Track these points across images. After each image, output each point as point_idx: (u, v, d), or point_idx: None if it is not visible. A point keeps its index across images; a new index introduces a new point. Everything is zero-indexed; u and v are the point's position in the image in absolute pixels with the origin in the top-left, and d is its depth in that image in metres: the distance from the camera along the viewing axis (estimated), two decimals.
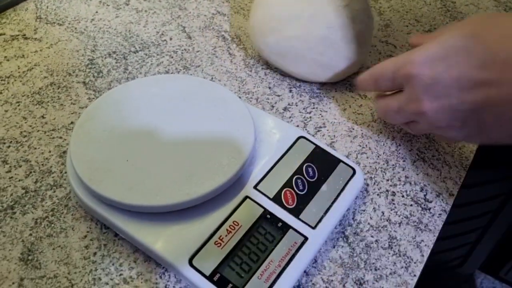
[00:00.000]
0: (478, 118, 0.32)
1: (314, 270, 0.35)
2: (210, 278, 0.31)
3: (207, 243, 0.32)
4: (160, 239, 0.33)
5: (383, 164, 0.42)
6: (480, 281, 1.11)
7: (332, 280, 0.34)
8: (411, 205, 0.39)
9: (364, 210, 0.38)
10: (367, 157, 0.42)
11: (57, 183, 0.38)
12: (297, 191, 0.36)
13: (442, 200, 0.40)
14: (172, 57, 0.49)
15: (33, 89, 0.45)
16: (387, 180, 0.41)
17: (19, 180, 0.38)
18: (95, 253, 0.34)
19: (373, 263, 0.35)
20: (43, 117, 0.43)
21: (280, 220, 0.34)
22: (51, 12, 0.53)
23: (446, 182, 0.41)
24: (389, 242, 0.37)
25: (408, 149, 0.43)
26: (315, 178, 0.37)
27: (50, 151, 0.40)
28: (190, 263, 0.32)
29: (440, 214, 0.39)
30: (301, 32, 0.43)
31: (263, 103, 0.46)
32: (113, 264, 0.34)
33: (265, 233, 0.34)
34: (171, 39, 0.52)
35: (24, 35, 0.50)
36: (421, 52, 0.33)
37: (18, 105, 0.43)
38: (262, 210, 0.35)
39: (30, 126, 0.42)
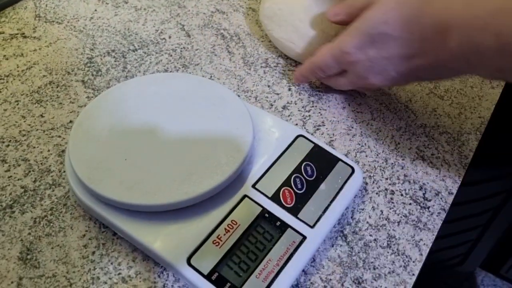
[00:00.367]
0: (417, 75, 0.38)
1: (312, 269, 0.35)
2: (208, 277, 0.31)
3: (205, 242, 0.32)
4: (159, 238, 0.33)
5: (382, 162, 0.42)
6: (481, 279, 1.11)
7: (330, 279, 0.34)
8: (410, 204, 0.39)
9: (363, 209, 0.38)
10: (366, 156, 0.42)
11: (56, 182, 0.38)
12: (295, 190, 0.36)
13: (441, 198, 0.40)
14: (171, 56, 0.49)
15: (32, 88, 0.45)
16: (386, 178, 0.41)
17: (18, 179, 0.38)
18: (93, 252, 0.34)
19: (372, 262, 0.35)
20: (42, 116, 0.43)
21: (278, 219, 0.34)
22: (50, 11, 0.53)
23: (445, 180, 0.41)
24: (387, 241, 0.37)
25: (407, 147, 0.43)
26: (314, 177, 0.37)
27: (49, 150, 0.40)
28: (189, 262, 0.32)
29: (439, 213, 0.39)
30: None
31: (262, 102, 0.46)
32: (111, 263, 0.34)
33: (264, 232, 0.34)
34: (170, 37, 0.52)
35: (23, 33, 0.50)
36: (351, 40, 0.38)
37: (17, 104, 0.43)
38: (261, 209, 0.35)
39: (29, 125, 0.42)
